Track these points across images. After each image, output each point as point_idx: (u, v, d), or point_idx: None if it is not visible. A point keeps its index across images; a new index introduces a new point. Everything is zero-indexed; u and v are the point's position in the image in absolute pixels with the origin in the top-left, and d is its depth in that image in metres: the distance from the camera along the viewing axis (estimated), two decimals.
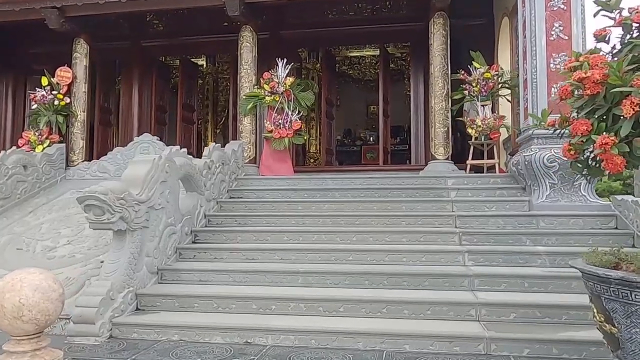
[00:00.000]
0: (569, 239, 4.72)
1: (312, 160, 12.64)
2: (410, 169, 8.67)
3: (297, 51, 9.97)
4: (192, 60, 11.73)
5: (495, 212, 5.43)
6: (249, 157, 7.47)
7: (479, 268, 4.33)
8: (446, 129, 7.06)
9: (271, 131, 7.21)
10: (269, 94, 7.30)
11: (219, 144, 6.42)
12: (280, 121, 7.21)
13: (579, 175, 5.46)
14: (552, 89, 5.42)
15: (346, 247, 4.78)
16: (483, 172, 7.20)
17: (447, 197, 5.88)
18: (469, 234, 4.88)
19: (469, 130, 6.81)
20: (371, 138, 14.01)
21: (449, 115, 7.12)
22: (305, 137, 7.77)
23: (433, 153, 7.11)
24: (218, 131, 13.34)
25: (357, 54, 13.01)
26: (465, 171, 6.88)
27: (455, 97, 7.18)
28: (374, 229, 5.17)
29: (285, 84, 7.30)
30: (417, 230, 5.03)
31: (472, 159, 6.98)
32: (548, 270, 4.19)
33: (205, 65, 12.92)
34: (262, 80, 7.43)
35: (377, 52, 12.64)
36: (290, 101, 7.29)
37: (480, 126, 6.69)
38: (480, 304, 3.74)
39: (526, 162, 5.36)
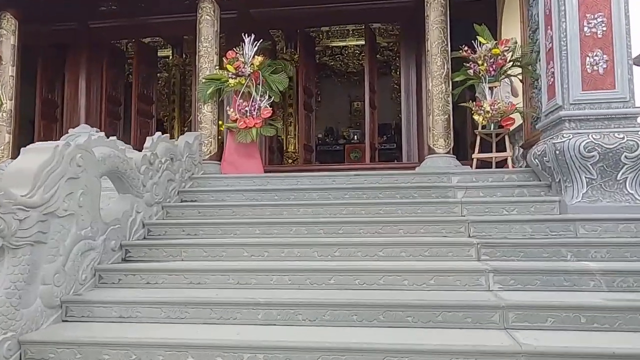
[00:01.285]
0: (623, 251, 3.52)
1: (290, 161, 11.39)
2: (401, 167, 7.46)
3: (271, 33, 8.73)
4: (156, 47, 10.42)
5: (518, 215, 4.23)
6: (210, 152, 6.18)
7: (511, 295, 3.10)
8: (447, 116, 5.86)
9: (235, 120, 5.93)
10: (234, 77, 6.03)
11: (167, 135, 5.11)
12: (246, 108, 5.94)
13: (624, 168, 4.36)
14: (587, 58, 4.26)
15: (326, 266, 3.51)
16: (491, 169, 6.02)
17: (454, 198, 4.68)
18: (488, 245, 3.66)
19: (475, 117, 5.61)
20: (355, 136, 12.80)
21: (450, 100, 5.93)
22: (277, 127, 6.50)
23: (431, 145, 5.90)
24: (185, 128, 11.98)
25: (340, 43, 11.83)
26: (471, 167, 5.68)
27: (457, 79, 5.99)
28: (363, 239, 3.92)
29: (252, 64, 6.04)
30: (419, 242, 3.79)
31: (479, 152, 5.79)
32: (609, 298, 2.99)
33: (171, 57, 11.60)
34: (225, 61, 6.16)
35: (362, 42, 11.59)
36: (259, 85, 6.03)
37: (489, 112, 5.50)
38: (525, 355, 2.51)
39: (557, 152, 4.17)
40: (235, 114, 5.93)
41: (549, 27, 4.61)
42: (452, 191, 4.77)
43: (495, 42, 5.82)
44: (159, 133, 4.94)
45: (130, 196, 4.28)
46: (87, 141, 3.64)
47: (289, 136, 11.70)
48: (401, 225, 4.09)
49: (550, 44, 4.56)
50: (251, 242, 3.95)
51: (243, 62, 6.04)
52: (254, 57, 6.09)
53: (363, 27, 11.29)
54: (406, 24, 8.07)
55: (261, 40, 6.23)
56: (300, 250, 3.81)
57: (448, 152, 5.83)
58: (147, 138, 4.77)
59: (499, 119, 5.49)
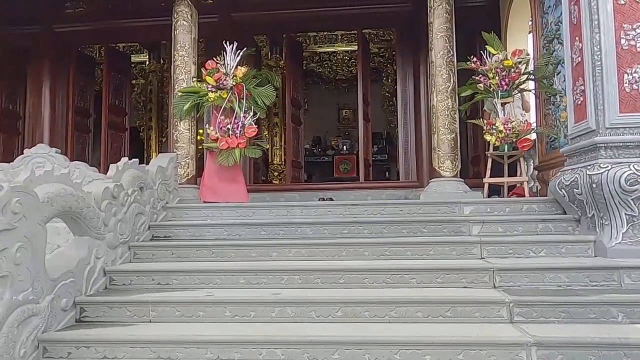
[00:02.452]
0: None
1: (275, 174, 10.75)
2: (399, 187, 6.89)
3: (255, 39, 8.04)
4: (129, 53, 9.64)
5: (548, 259, 3.62)
6: (187, 175, 5.47)
7: None
8: (454, 135, 5.25)
9: (216, 140, 5.23)
10: (214, 90, 5.33)
11: (136, 160, 4.38)
12: (228, 126, 5.24)
13: None
14: (626, 75, 3.67)
15: (327, 336, 2.84)
16: (503, 195, 5.44)
17: (470, 235, 4.06)
18: (522, 303, 3.02)
19: (487, 137, 5.01)
20: (344, 147, 12.17)
21: (457, 117, 5.32)
22: (265, 147, 5.80)
23: (436, 168, 5.27)
24: (164, 139, 11.21)
25: (328, 49, 11.21)
26: (483, 194, 5.07)
27: (465, 94, 5.39)
28: (369, 294, 3.26)
29: (235, 75, 5.36)
30: (438, 299, 3.13)
31: (491, 175, 5.18)
32: None
33: (148, 62, 10.84)
34: (204, 72, 5.46)
35: (351, 48, 11.02)
36: (243, 99, 5.33)
37: (502, 132, 4.91)
38: None
39: (593, 185, 3.57)
40: (216, 133, 5.23)
41: (576, 38, 4.02)
42: (467, 226, 4.14)
43: (505, 52, 5.23)
44: (124, 159, 4.22)
45: (88, 239, 3.56)
46: (27, 180, 2.91)
47: (274, 147, 11.07)
48: (413, 274, 3.44)
49: (579, 58, 3.96)
50: (234, 299, 3.25)
51: (224, 73, 5.35)
52: (236, 67, 5.40)
53: (353, 32, 10.83)
54: (402, 30, 7.46)
55: (245, 48, 5.54)
56: (295, 310, 3.13)
57: (455, 176, 5.22)
58: (111, 166, 4.05)
59: (514, 140, 4.89)
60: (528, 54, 5.29)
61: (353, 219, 4.36)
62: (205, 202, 5.18)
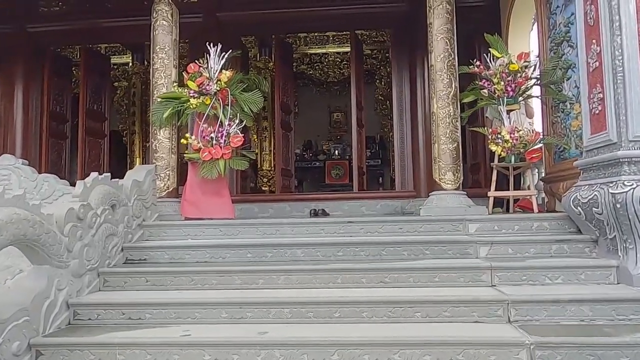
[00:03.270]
0: None
1: (265, 180, 10.31)
2: (395, 197, 6.51)
3: (243, 40, 7.62)
4: (108, 54, 9.17)
5: (566, 288, 3.24)
6: (167, 188, 5.04)
7: None
8: (455, 144, 4.86)
9: (198, 150, 4.80)
10: (196, 95, 4.90)
11: (107, 175, 3.94)
12: (212, 135, 4.82)
13: None
14: None
15: None
16: (507, 208, 5.08)
17: (477, 258, 3.68)
18: (545, 346, 2.64)
19: (492, 148, 4.64)
20: (336, 151, 11.79)
21: (459, 125, 4.94)
22: (252, 158, 5.37)
23: (437, 180, 4.89)
24: (148, 143, 10.71)
25: (319, 50, 10.81)
26: (488, 208, 4.70)
27: (467, 100, 5.02)
28: (368, 335, 2.86)
29: (219, 80, 4.93)
30: (448, 339, 2.73)
31: (496, 188, 4.81)
32: None
33: (131, 64, 10.37)
34: (185, 76, 5.03)
35: (343, 49, 10.64)
36: (228, 105, 4.91)
37: (508, 141, 4.54)
38: None
39: (617, 205, 3.21)
40: (198, 143, 4.81)
41: (593, 41, 3.65)
42: (474, 247, 3.76)
43: (510, 55, 4.86)
44: (94, 174, 3.78)
45: (48, 268, 3.12)
46: None
47: (263, 152, 10.62)
48: (417, 307, 3.05)
49: (597, 63, 3.60)
50: (214, 339, 2.83)
51: (208, 78, 4.93)
52: (221, 71, 4.98)
53: (345, 33, 10.45)
54: (398, 31, 7.08)
55: (230, 50, 5.12)
56: (284, 353, 2.73)
57: (457, 188, 4.83)
58: (78, 183, 3.61)
59: (522, 151, 4.53)
60: (536, 57, 4.92)
61: (348, 239, 3.96)
62: (186, 218, 4.76)
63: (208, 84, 4.90)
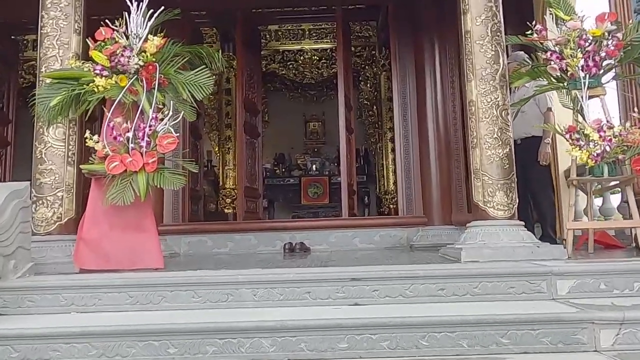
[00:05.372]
0: None
1: (228, 201, 8.50)
2: (400, 224, 4.86)
3: (201, 31, 5.88)
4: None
5: None
6: (58, 219, 3.15)
7: None
8: (508, 149, 3.19)
9: (104, 158, 2.97)
10: (105, 73, 3.10)
11: None
12: (128, 135, 3.01)
13: None
14: None
15: None
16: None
17: (599, 352, 1.98)
18: None
19: (574, 153, 2.96)
20: (314, 166, 10.03)
21: (510, 119, 3.27)
22: (193, 170, 3.54)
23: (480, 204, 3.17)
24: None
25: (294, 47, 9.15)
26: (567, 249, 3.01)
27: (518, 83, 3.40)
28: None
29: (145, 51, 3.15)
30: None
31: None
32: None
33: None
34: (91, 44, 3.23)
35: (322, 45, 9.06)
36: (155, 89, 3.12)
37: (597, 142, 2.89)
38: None
39: None
40: (105, 147, 2.98)
41: None
42: (588, 331, 2.05)
43: (580, 16, 3.27)
44: None
45: None
46: None
47: (226, 167, 8.77)
48: None
49: None
50: None
51: (125, 46, 3.13)
52: (146, 39, 3.19)
53: (323, 28, 8.87)
54: (398, 7, 5.42)
55: (162, 8, 3.34)
56: None
57: (513, 216, 3.14)
58: None
59: (620, 158, 2.88)
60: (618, 22, 3.32)
61: (355, 317, 2.19)
62: (82, 270, 2.90)
63: (125, 56, 3.10)
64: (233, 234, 4.94)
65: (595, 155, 2.89)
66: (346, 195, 5.13)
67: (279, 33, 8.96)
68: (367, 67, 9.11)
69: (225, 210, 8.40)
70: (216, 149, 9.05)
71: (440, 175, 4.88)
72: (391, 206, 8.03)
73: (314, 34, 8.98)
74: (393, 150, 7.94)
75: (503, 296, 2.41)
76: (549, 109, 3.80)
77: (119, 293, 2.44)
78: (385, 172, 8.41)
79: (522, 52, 4.02)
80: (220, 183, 8.76)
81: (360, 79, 9.19)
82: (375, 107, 9.01)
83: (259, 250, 4.87)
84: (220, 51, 7.98)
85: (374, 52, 8.93)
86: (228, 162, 8.70)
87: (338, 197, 6.55)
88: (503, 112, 3.22)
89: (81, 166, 3.10)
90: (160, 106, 3.17)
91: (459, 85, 5.18)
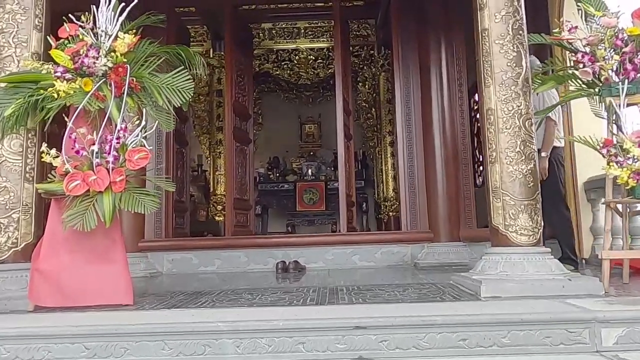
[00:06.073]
0: None
1: (219, 209, 8.07)
2: (403, 240, 4.41)
3: (189, 29, 5.43)
4: None
5: None
6: (13, 245, 2.72)
7: None
8: (532, 164, 2.78)
9: (65, 175, 2.54)
10: (68, 76, 2.67)
11: None
12: (93, 148, 2.57)
13: None
14: None
15: None
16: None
17: None
18: None
19: (611, 171, 2.55)
20: (309, 170, 9.60)
21: (534, 129, 2.86)
22: (170, 189, 3.12)
23: (500, 228, 2.76)
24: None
25: (288, 45, 8.73)
26: (603, 281, 2.60)
27: (542, 89, 2.98)
28: None
29: (114, 51, 2.72)
30: None
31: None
32: None
33: None
34: (53, 42, 2.80)
35: (318, 45, 8.66)
36: (125, 94, 2.69)
37: (638, 158, 2.49)
38: None
39: None
40: (65, 162, 2.55)
41: None
42: None
43: (615, 12, 2.86)
44: None
45: None
46: None
47: (217, 172, 8.35)
48: None
49: None
50: None
51: (90, 45, 2.70)
52: (116, 37, 2.76)
53: (320, 25, 8.47)
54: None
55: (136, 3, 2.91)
56: None
57: (538, 242, 2.73)
58: None
59: None
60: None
61: None
62: (37, 307, 2.47)
63: (91, 56, 2.67)
64: (221, 251, 4.51)
65: (635, 173, 2.47)
66: (344, 207, 4.71)
67: (273, 31, 8.55)
68: (365, 67, 8.69)
69: (216, 218, 7.97)
70: (207, 153, 8.63)
71: (447, 186, 4.47)
72: (390, 214, 7.62)
73: (309, 33, 8.57)
74: (393, 154, 7.57)
75: (537, 348, 2.00)
76: (550, 118, 3.38)
77: (72, 344, 2.01)
78: (384, 177, 7.99)
79: (534, 57, 3.60)
80: (211, 189, 8.34)
81: (358, 80, 8.77)
82: (373, 110, 8.58)
83: (249, 269, 4.45)
84: (204, 52, 7.67)
85: (372, 51, 8.52)
86: (219, 167, 8.27)
87: (335, 204, 6.15)
88: (526, 122, 2.81)
89: (37, 185, 2.66)
90: (132, 114, 2.74)
91: (467, 87, 4.80)
